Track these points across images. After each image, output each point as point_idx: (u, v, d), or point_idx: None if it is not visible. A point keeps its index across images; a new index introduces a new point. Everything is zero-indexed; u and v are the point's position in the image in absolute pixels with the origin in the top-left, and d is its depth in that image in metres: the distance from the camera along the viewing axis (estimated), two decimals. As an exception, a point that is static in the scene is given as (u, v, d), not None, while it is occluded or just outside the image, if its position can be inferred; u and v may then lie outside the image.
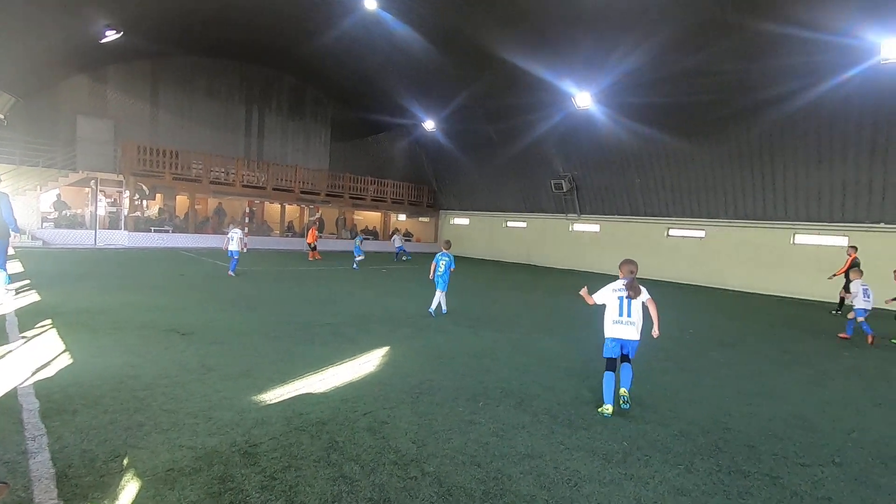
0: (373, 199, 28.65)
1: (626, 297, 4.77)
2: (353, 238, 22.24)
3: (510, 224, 27.64)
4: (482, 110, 22.99)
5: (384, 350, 6.48)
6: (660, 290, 16.67)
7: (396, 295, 11.69)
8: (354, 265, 17.68)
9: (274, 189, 24.53)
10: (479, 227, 29.26)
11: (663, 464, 3.71)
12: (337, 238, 28.46)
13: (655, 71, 16.26)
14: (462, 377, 5.52)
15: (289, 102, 28.10)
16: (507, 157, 24.59)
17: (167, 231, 21.83)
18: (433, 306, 9.24)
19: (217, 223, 24.59)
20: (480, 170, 26.86)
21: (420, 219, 33.14)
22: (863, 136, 14.64)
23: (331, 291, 11.58)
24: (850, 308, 9.76)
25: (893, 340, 9.67)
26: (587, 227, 23.97)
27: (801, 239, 17.57)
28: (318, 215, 25.20)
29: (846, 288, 11.68)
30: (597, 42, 16.18)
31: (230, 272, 12.85)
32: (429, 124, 25.83)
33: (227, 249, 12.86)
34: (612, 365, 4.78)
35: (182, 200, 24.35)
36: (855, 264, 11.75)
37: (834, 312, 13.22)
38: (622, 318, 4.75)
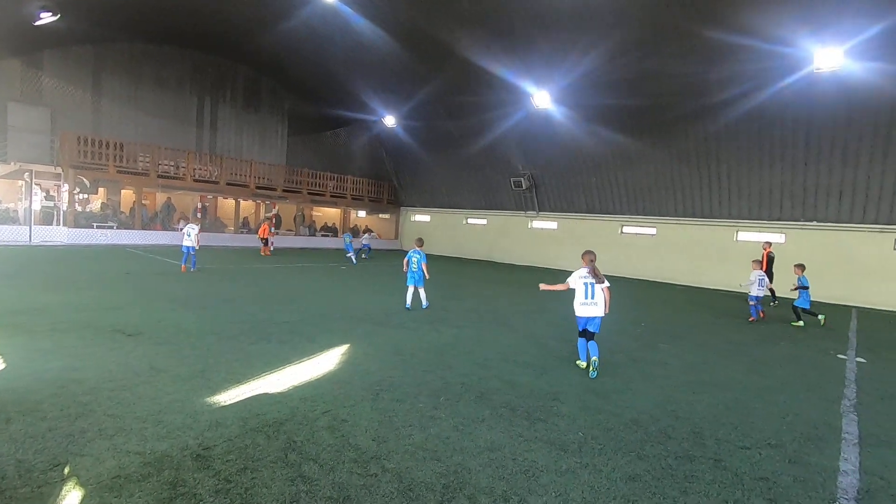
0: (332, 196, 28.15)
1: (591, 283, 5.91)
2: (358, 236, 23.14)
3: (471, 221, 27.85)
4: (443, 107, 23.02)
5: (344, 348, 6.41)
6: (615, 286, 17.22)
7: (356, 292, 11.56)
8: (353, 260, 19.18)
9: (228, 184, 23.67)
10: (440, 225, 29.32)
11: (616, 452, 3.86)
12: (295, 234, 27.82)
13: (610, 73, 16.76)
14: (423, 373, 5.53)
15: (244, 94, 27.15)
16: (467, 155, 24.74)
17: (111, 227, 20.67)
18: (409, 302, 9.60)
19: (166, 219, 23.51)
20: (441, 167, 26.90)
21: (381, 216, 32.86)
22: (798, 141, 15.64)
23: (289, 289, 11.32)
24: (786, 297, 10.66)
25: (794, 323, 10.99)
26: (546, 224, 24.47)
27: (744, 236, 18.61)
28: (274, 211, 24.54)
29: (769, 279, 13.72)
30: (554, 43, 16.50)
31: (192, 268, 13.19)
32: (389, 120, 25.62)
33: (182, 245, 13.23)
34: (583, 334, 6.05)
35: (128, 195, 23.13)
36: (771, 258, 14.17)
37: (773, 304, 14.08)
38: (587, 300, 5.94)
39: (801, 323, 10.93)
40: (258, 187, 24.79)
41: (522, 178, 23.09)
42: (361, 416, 4.22)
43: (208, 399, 4.34)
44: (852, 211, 15.99)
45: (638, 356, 7.14)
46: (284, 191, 25.89)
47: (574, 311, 6.03)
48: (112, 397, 4.22)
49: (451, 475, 3.32)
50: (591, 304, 5.90)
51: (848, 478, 3.71)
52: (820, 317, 11.07)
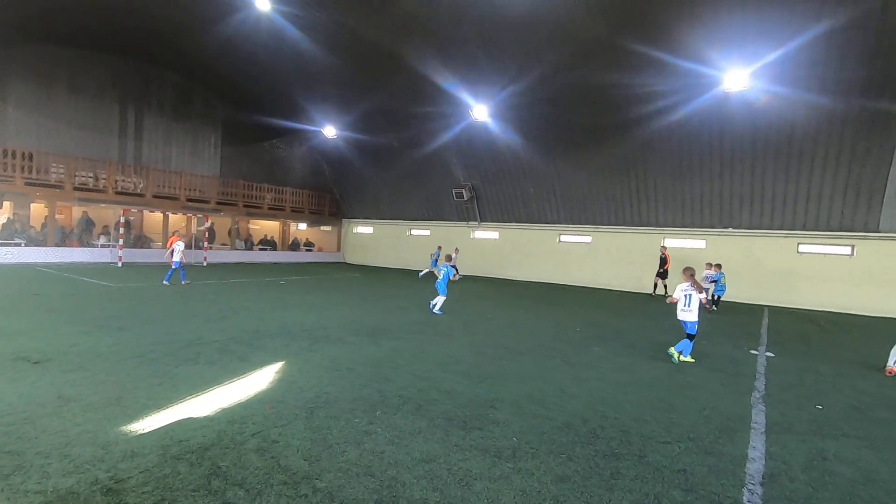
0: (270, 208, 27.24)
1: (690, 294, 7.38)
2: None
3: (414, 232, 27.87)
4: (384, 118, 22.99)
5: (278, 366, 6.18)
6: (553, 293, 17.86)
7: (293, 307, 11.22)
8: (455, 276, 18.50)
9: (155, 196, 22.32)
10: (383, 236, 29.11)
11: (548, 455, 3.98)
12: (231, 249, 26.62)
13: (544, 88, 17.46)
14: (360, 388, 5.45)
15: (172, 102, 25.74)
16: (409, 166, 24.82)
17: (18, 244, 18.86)
18: (436, 306, 11.26)
19: (84, 234, 21.77)
20: (384, 178, 26.79)
21: (322, 228, 32.17)
22: (713, 154, 16.97)
23: (220, 306, 10.79)
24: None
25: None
26: (488, 234, 24.93)
27: (670, 242, 19.84)
28: (207, 224, 23.37)
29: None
30: (491, 58, 16.99)
31: (182, 280, 14.60)
32: (329, 131, 25.22)
33: (170, 262, 14.52)
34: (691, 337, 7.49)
35: (39, 209, 21.22)
36: (664, 259, 17.83)
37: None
38: (685, 308, 7.41)
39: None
40: (189, 200, 23.56)
41: (464, 190, 23.45)
42: (294, 435, 4.08)
43: (124, 428, 4.04)
44: (761, 218, 17.51)
45: (573, 360, 7.40)
46: (218, 203, 24.76)
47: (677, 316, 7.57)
48: (10, 432, 3.84)
49: (384, 490, 3.28)
50: (687, 310, 7.39)
51: (755, 464, 4.03)
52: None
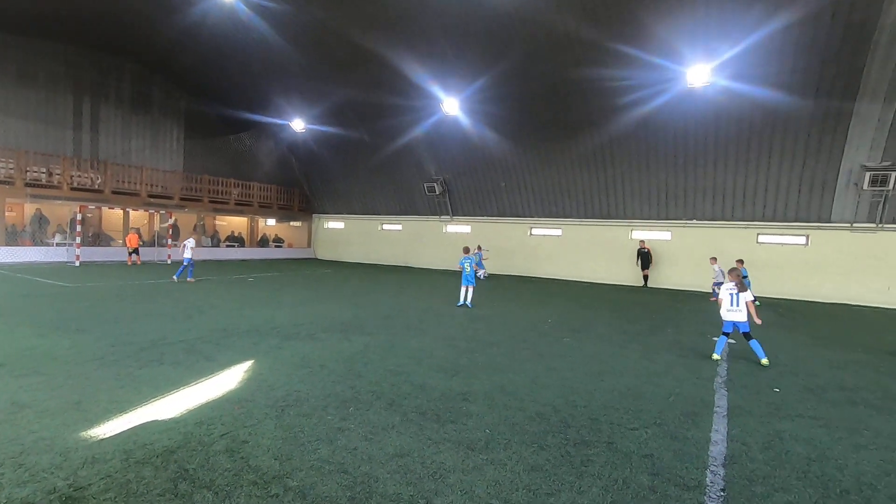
0: (237, 203, 26.57)
1: (735, 293, 7.23)
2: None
3: (386, 227, 27.69)
4: (353, 111, 22.70)
5: (247, 364, 6.06)
6: (524, 286, 18.08)
7: (263, 305, 11.00)
8: (481, 276, 18.93)
9: (114, 192, 21.44)
10: (354, 231, 28.82)
11: (520, 445, 4.03)
12: (196, 246, 25.84)
13: (513, 83, 17.57)
14: (332, 384, 5.39)
15: (132, 94, 24.68)
16: (380, 160, 24.60)
17: (-34, 244, 17.83)
18: (466, 300, 11.75)
19: (38, 233, 20.75)
20: (354, 173, 26.47)
21: (292, 223, 31.60)
22: (678, 148, 17.44)
23: (186, 305, 10.48)
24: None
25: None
26: (460, 227, 24.99)
27: (637, 234, 20.34)
28: (171, 221, 22.62)
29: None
30: (458, 52, 16.97)
31: (189, 278, 14.95)
32: (298, 124, 24.70)
33: (182, 258, 14.93)
34: (726, 334, 7.42)
35: (-13, 206, 20.10)
36: (642, 253, 19.01)
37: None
38: (732, 307, 7.26)
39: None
40: (151, 196, 22.74)
41: (436, 184, 23.41)
42: (264, 435, 4.01)
43: (84, 433, 3.88)
44: (723, 209, 18.13)
45: (544, 351, 7.51)
46: (182, 199, 23.99)
47: (722, 317, 7.40)
48: (-42, 442, 3.63)
49: (357, 486, 3.26)
50: (735, 310, 7.23)
51: (717, 447, 4.18)
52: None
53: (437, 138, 21.88)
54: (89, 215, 22.68)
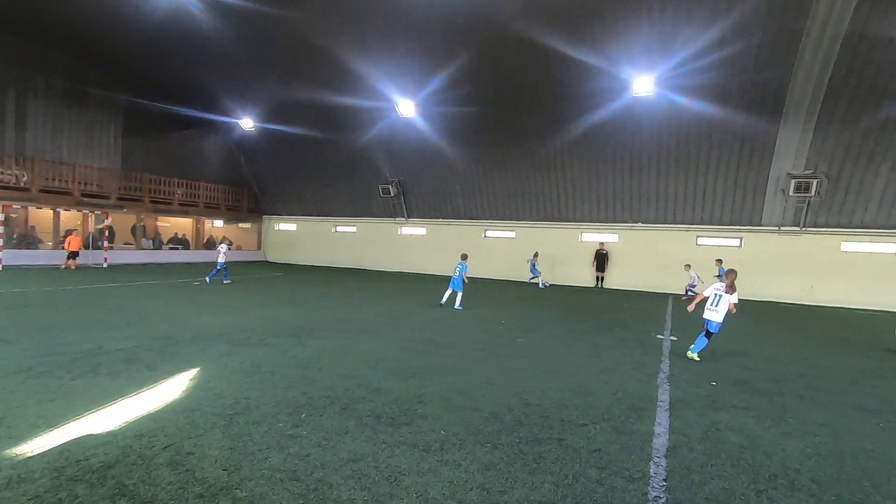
0: (181, 204, 25.32)
1: (720, 295, 7.37)
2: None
3: (340, 229, 27.25)
4: (306, 111, 22.18)
5: (193, 373, 5.80)
6: (478, 287, 18.28)
7: (209, 310, 10.56)
8: (541, 285, 19.40)
9: (42, 191, 19.91)
10: (307, 233, 28.17)
11: (475, 445, 4.09)
12: (136, 248, 24.47)
13: (468, 86, 17.77)
14: (284, 390, 5.25)
15: (63, 86, 22.96)
16: (334, 161, 24.19)
17: None
18: (454, 304, 12.04)
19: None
20: (307, 173, 25.88)
21: (240, 225, 30.51)
22: (625, 154, 18.20)
23: (125, 312, 9.89)
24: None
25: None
26: (415, 230, 24.97)
27: (587, 237, 21.06)
28: (107, 222, 21.29)
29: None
30: (415, 54, 16.99)
31: (224, 280, 15.80)
32: (247, 122, 23.89)
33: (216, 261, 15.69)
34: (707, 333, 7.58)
35: None
36: (602, 255, 19.89)
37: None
38: (712, 307, 7.41)
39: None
40: (85, 195, 21.28)
41: (391, 186, 23.28)
42: (211, 445, 3.86)
43: (8, 451, 3.59)
44: (665, 213, 19.08)
45: (498, 351, 7.64)
46: (121, 199, 22.60)
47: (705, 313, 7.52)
48: None
49: (310, 494, 3.20)
50: (713, 310, 7.39)
51: (660, 439, 4.40)
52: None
53: (393, 140, 21.78)
54: (13, 215, 20.98)
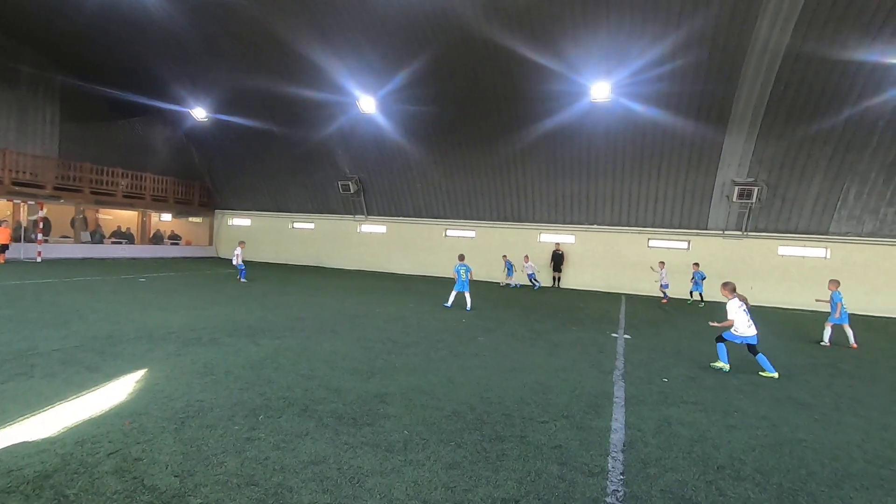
0: (126, 196, 23.93)
1: (747, 308, 7.37)
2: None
3: (297, 225, 26.57)
4: (262, 102, 21.49)
5: (139, 374, 5.49)
6: (439, 286, 18.30)
7: (156, 308, 10.04)
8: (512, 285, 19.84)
9: (-33, 178, 18.34)
10: (263, 229, 27.29)
11: (438, 444, 4.07)
12: (75, 242, 22.93)
13: (429, 85, 17.74)
14: (239, 392, 5.06)
15: (-10, 65, 21.23)
16: (292, 156, 23.55)
17: None
18: (450, 302, 12.50)
19: None
20: (263, 168, 25.07)
21: (191, 219, 29.18)
22: (582, 157, 18.70)
23: (61, 309, 9.25)
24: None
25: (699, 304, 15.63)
26: (375, 227, 24.69)
27: (545, 237, 21.49)
28: (41, 213, 19.85)
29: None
30: (375, 50, 16.80)
31: (242, 279, 16.08)
32: (199, 112, 22.86)
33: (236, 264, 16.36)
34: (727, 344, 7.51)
35: None
36: (559, 255, 20.52)
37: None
38: (751, 322, 7.34)
39: (703, 304, 16.29)
40: (16, 183, 19.73)
41: (350, 182, 22.91)
42: (161, 450, 3.66)
43: (-73, 462, 3.27)
44: (620, 216, 19.76)
45: (458, 350, 7.67)
46: (57, 188, 21.11)
47: (739, 332, 7.31)
48: None
49: (269, 499, 3.09)
50: (752, 325, 7.33)
51: (617, 434, 4.54)
52: (701, 303, 16.81)
53: (353, 136, 21.45)
54: (-68, 204, 19.20)
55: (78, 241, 23.07)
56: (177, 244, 28.08)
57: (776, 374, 7.20)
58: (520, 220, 21.55)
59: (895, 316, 16.46)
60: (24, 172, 20.09)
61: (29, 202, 20.29)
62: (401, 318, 10.53)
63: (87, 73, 23.08)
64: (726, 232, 18.56)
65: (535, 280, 19.96)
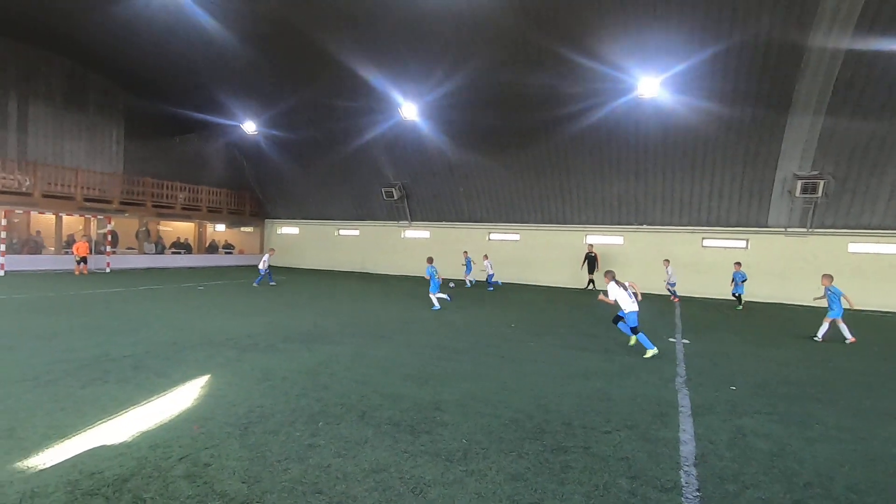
0: (183, 208, 25.24)
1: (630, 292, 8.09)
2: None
3: (343, 232, 27.15)
4: (308, 114, 22.12)
5: (203, 380, 5.69)
6: (484, 291, 18.16)
7: (215, 315, 10.45)
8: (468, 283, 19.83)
9: (45, 196, 19.82)
10: (310, 237, 28.06)
11: (499, 454, 3.97)
12: (139, 253, 24.36)
13: (472, 91, 17.69)
14: (297, 398, 5.14)
15: (64, 90, 22.92)
16: (337, 164, 24.12)
17: None
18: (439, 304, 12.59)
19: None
20: (310, 177, 25.81)
21: (243, 229, 30.40)
22: (629, 155, 18.11)
23: (130, 317, 9.78)
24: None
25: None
26: (418, 233, 24.86)
27: (592, 239, 20.93)
28: (109, 227, 21.19)
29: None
30: (416, 57, 16.92)
31: (270, 282, 17.13)
32: (249, 126, 23.82)
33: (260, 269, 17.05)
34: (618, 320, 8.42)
35: None
36: (591, 257, 19.59)
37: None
38: (632, 300, 8.05)
39: (740, 307, 15.23)
40: (88, 199, 21.18)
41: (394, 189, 23.19)
42: (228, 456, 3.75)
43: (20, 464, 3.48)
44: (671, 215, 18.99)
45: (510, 356, 7.52)
46: (123, 203, 22.51)
47: (625, 308, 8.05)
48: None
49: (334, 507, 3.09)
50: (635, 302, 8.06)
51: (687, 446, 4.29)
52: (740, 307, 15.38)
53: (396, 143, 21.71)
54: (16, 220, 20.89)
55: (142, 251, 24.48)
56: (230, 253, 29.31)
57: (655, 350, 7.81)
58: (564, 222, 21.10)
59: None
60: (93, 189, 21.54)
61: (98, 216, 21.71)
62: (448, 322, 10.49)
63: (148, 94, 24.57)
64: (788, 229, 17.46)
65: (492, 280, 19.28)
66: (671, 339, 9.51)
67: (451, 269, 23.19)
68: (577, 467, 3.78)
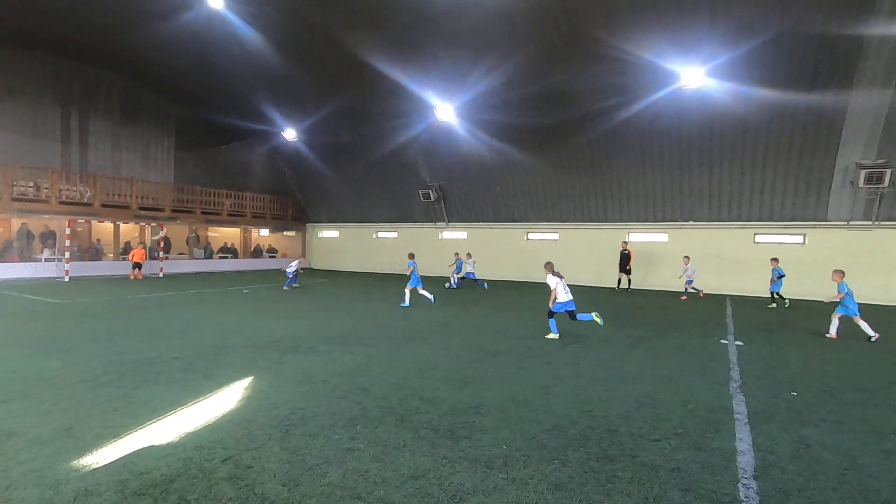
0: (229, 214, 26.22)
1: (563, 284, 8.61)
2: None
3: (381, 235, 27.45)
4: (346, 119, 22.51)
5: (246, 381, 5.81)
6: (521, 291, 17.88)
7: (259, 317, 10.73)
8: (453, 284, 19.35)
9: (104, 205, 21.04)
10: (349, 240, 28.55)
11: (541, 461, 3.83)
12: (189, 258, 25.47)
13: (507, 89, 17.47)
14: (337, 401, 5.16)
15: (120, 105, 24.32)
16: (374, 168, 24.42)
17: (-49, 261, 17.37)
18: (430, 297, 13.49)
19: (25, 248, 20.30)
20: (348, 180, 26.26)
21: (285, 233, 31.28)
22: (672, 149, 17.40)
23: (180, 320, 10.19)
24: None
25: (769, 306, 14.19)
26: (456, 234, 24.80)
27: (634, 237, 20.26)
28: (162, 233, 22.26)
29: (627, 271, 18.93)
30: (455, 60, 16.87)
31: (295, 285, 17.60)
32: (289, 133, 24.49)
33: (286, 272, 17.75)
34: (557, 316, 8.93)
35: (-28, 222, 19.65)
36: (626, 254, 18.78)
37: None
38: (567, 291, 8.73)
39: (773, 305, 14.54)
40: (142, 208, 22.35)
41: (431, 190, 23.24)
42: (269, 458, 3.78)
43: (76, 462, 3.63)
44: (720, 210, 18.10)
45: (550, 358, 7.32)
46: (174, 211, 23.62)
47: (560, 300, 8.65)
48: (-61, 477, 3.37)
49: (373, 513, 3.04)
50: (569, 293, 8.74)
51: (745, 457, 4.00)
52: (786, 302, 14.62)
53: (431, 144, 21.75)
54: (79, 229, 22.27)
55: (192, 257, 25.58)
56: (274, 257, 30.20)
57: (557, 336, 8.69)
58: (606, 220, 20.52)
59: None
60: (147, 198, 22.70)
61: (151, 224, 22.86)
62: (486, 325, 10.36)
63: (196, 106, 25.70)
64: (851, 222, 16.28)
65: (475, 279, 18.79)
66: (723, 341, 9.03)
67: (486, 269, 23.04)
68: (624, 477, 3.59)
